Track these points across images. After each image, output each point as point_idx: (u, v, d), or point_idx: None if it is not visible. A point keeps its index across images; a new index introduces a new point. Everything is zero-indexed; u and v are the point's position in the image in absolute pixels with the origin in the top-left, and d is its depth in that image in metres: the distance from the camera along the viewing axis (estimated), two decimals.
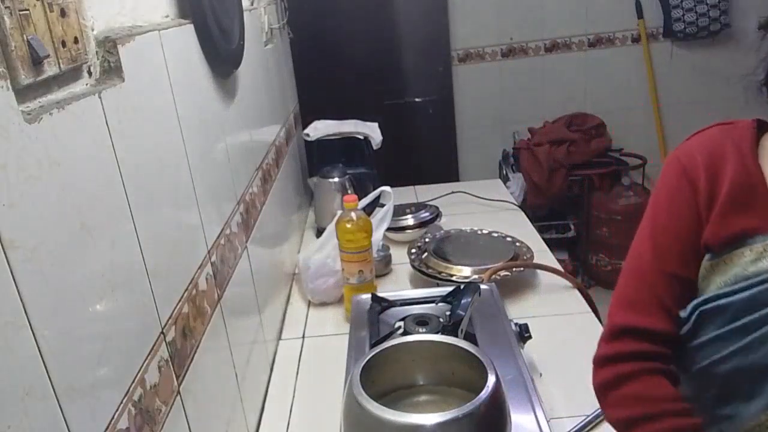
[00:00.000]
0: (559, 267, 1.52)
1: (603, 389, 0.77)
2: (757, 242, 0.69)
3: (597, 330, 1.28)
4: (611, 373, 0.76)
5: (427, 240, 1.70)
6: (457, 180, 3.03)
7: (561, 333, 1.28)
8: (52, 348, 0.49)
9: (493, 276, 1.44)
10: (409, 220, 1.86)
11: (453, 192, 2.20)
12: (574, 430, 1.02)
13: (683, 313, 0.74)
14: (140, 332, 0.67)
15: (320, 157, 2.12)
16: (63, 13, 0.56)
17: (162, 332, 0.72)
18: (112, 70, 0.67)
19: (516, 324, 1.12)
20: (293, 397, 1.22)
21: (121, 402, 0.60)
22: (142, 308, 0.68)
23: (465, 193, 2.18)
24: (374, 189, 1.69)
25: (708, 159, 0.75)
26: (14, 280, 0.45)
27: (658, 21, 3.06)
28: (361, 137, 2.14)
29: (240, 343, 1.08)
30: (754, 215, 0.70)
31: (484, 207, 2.09)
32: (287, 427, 1.14)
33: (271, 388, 1.26)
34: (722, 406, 0.71)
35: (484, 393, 0.74)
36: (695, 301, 0.73)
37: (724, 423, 0.71)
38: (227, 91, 1.17)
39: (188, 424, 0.78)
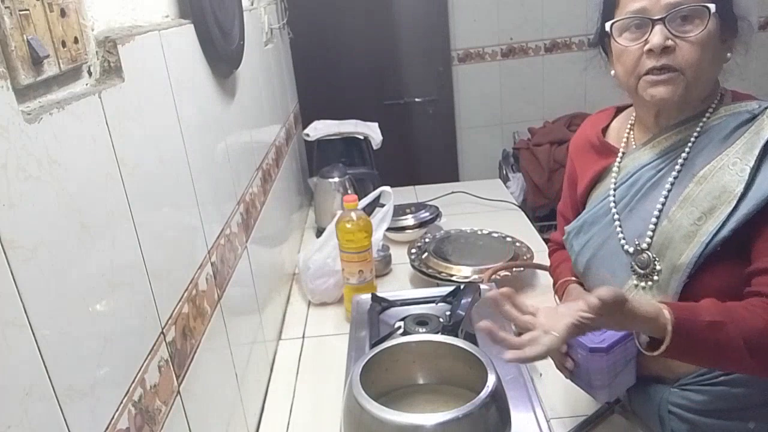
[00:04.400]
0: None
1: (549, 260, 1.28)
2: (604, 177, 1.05)
3: None
4: (549, 253, 1.28)
5: (427, 240, 1.69)
6: (457, 180, 3.03)
7: None
8: (52, 348, 0.49)
9: (493, 276, 1.44)
10: (409, 220, 1.86)
11: (453, 192, 2.20)
12: (574, 430, 1.02)
13: (564, 237, 1.11)
14: (140, 332, 0.67)
15: (320, 157, 2.12)
16: (63, 13, 0.56)
17: (162, 332, 0.72)
18: (112, 70, 0.67)
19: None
20: (293, 397, 1.22)
21: (121, 402, 0.60)
22: (142, 308, 0.68)
23: (465, 193, 2.18)
24: (374, 189, 1.69)
25: (580, 137, 1.14)
26: (14, 280, 0.45)
27: None
28: (361, 137, 2.14)
29: (240, 343, 1.08)
30: (600, 161, 1.06)
31: (484, 207, 2.08)
32: (287, 427, 1.14)
33: (271, 388, 1.26)
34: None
35: (484, 393, 0.74)
36: (567, 227, 1.10)
37: None
38: (227, 91, 1.17)
39: (188, 424, 0.78)
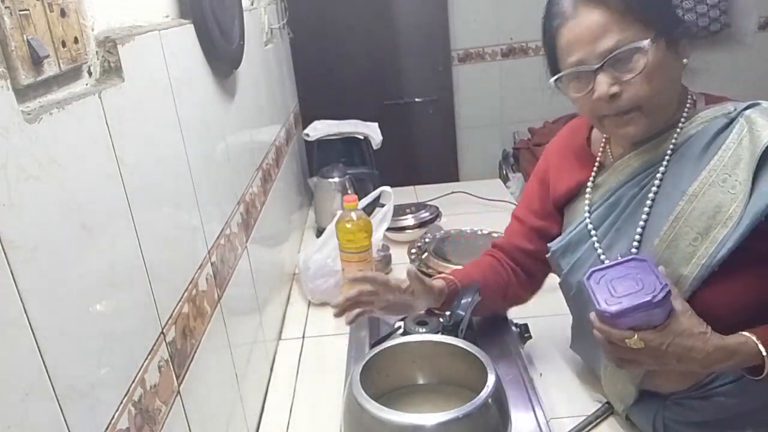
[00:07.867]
0: None
1: None
2: (583, 192, 1.01)
3: None
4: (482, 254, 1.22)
5: (427, 240, 1.69)
6: (457, 180, 3.03)
7: (561, 333, 1.28)
8: (52, 348, 0.49)
9: None
10: (409, 220, 1.86)
11: (453, 192, 2.20)
12: (575, 430, 1.02)
13: (549, 255, 1.06)
14: (140, 332, 0.67)
15: (320, 157, 2.12)
16: (63, 13, 0.56)
17: (162, 332, 0.72)
18: (112, 70, 0.67)
19: (516, 324, 1.12)
20: (293, 397, 1.22)
21: (121, 402, 0.60)
22: (142, 308, 0.68)
23: (465, 193, 2.18)
24: (374, 189, 1.69)
25: (559, 142, 1.12)
26: (14, 280, 0.45)
27: None
28: (361, 137, 2.14)
29: (240, 343, 1.08)
30: (581, 172, 1.02)
31: (484, 207, 2.08)
32: (287, 427, 1.14)
33: (271, 388, 1.26)
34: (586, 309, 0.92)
35: (484, 393, 0.74)
36: (550, 245, 1.04)
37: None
38: (227, 91, 1.17)
39: (188, 424, 0.78)
